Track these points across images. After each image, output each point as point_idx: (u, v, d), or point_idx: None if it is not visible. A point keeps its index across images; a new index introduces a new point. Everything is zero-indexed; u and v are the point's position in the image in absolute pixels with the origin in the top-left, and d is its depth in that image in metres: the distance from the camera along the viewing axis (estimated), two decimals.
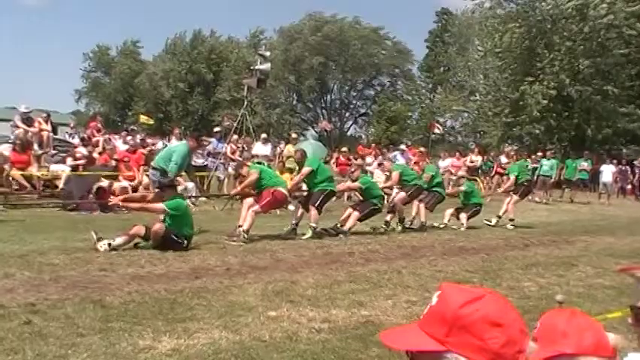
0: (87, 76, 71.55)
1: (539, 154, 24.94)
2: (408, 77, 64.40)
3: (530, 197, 22.75)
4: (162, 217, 9.01)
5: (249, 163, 12.23)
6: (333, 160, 22.76)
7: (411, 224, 12.98)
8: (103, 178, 13.70)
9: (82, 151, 15.73)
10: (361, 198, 12.43)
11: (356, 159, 22.18)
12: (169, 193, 9.27)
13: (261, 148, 19.29)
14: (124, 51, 69.80)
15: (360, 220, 11.62)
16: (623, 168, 27.91)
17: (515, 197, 14.29)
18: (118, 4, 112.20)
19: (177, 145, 11.85)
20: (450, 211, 13.63)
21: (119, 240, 8.48)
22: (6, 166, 12.68)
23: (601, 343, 1.67)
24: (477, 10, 37.44)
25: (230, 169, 17.15)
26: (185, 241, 8.92)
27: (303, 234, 10.72)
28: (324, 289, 6.76)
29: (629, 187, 28.14)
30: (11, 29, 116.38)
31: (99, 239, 8.31)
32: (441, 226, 13.31)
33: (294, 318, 5.54)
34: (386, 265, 8.52)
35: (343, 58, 62.56)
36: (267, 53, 19.37)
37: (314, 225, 10.86)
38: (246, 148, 18.79)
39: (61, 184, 13.99)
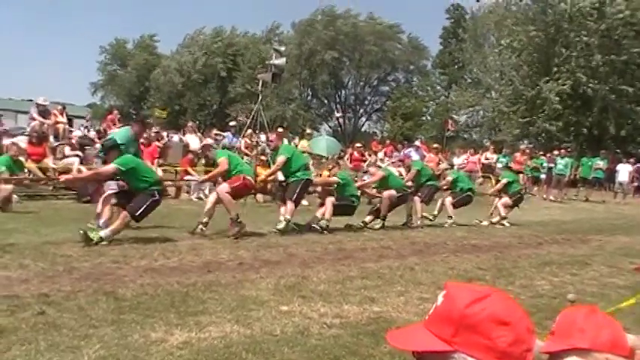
0: (103, 68, 71.85)
1: (555, 152, 24.85)
2: (423, 73, 64.24)
3: (545, 195, 22.79)
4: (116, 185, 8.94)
5: (215, 147, 11.92)
6: (347, 156, 22.76)
7: (409, 222, 12.82)
8: None
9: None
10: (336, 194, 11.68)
11: (370, 155, 22.15)
12: (113, 154, 8.95)
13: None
14: (140, 44, 70.05)
15: (334, 213, 11.26)
16: None
17: (508, 200, 14.08)
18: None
19: (119, 131, 10.88)
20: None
21: (108, 232, 8.30)
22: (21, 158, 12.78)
23: (618, 341, 1.67)
24: (494, 8, 37.30)
25: None
26: (156, 193, 8.85)
27: (277, 225, 10.46)
28: (336, 284, 6.76)
29: None
30: (29, 22, 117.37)
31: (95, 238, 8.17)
32: (430, 217, 13.27)
33: (305, 313, 5.55)
34: (398, 261, 8.51)
35: (358, 53, 62.48)
36: (282, 48, 19.34)
37: (289, 217, 10.56)
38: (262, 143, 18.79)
39: None
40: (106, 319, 5.00)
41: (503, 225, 13.63)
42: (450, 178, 13.80)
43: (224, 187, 9.78)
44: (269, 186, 11.98)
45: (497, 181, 14.75)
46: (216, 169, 10.17)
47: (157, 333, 4.73)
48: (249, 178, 10.23)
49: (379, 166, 14.18)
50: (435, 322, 1.33)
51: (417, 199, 12.84)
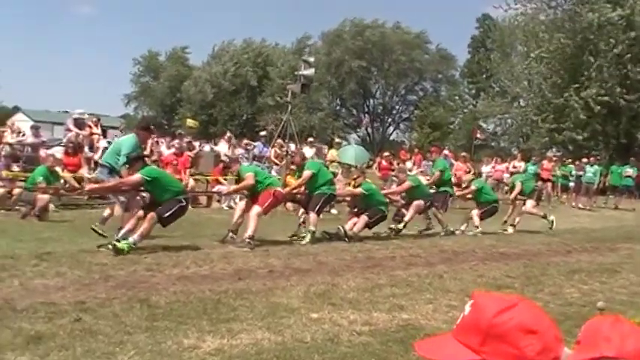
0: (136, 80, 72.79)
1: (584, 160, 24.61)
2: (451, 83, 64.00)
3: (573, 203, 22.56)
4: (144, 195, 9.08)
5: (243, 163, 11.95)
6: (375, 165, 22.75)
7: (427, 228, 12.70)
8: None
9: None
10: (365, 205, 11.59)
11: (398, 164, 22.10)
12: (138, 165, 8.96)
13: (307, 151, 19.37)
14: (172, 56, 70.81)
15: (368, 227, 11.33)
16: None
17: (532, 201, 14.04)
18: (168, 12, 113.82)
19: (124, 138, 10.66)
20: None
21: (136, 237, 8.37)
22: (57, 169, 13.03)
23: None
24: (521, 17, 37.00)
25: (274, 173, 17.26)
26: (183, 200, 8.96)
27: (303, 237, 10.45)
28: (366, 292, 6.80)
29: None
30: (65, 36, 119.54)
31: (126, 247, 8.20)
32: (457, 232, 12.82)
33: (335, 320, 5.60)
34: (427, 269, 8.52)
35: (386, 63, 62.45)
36: (312, 59, 19.47)
37: (313, 229, 10.52)
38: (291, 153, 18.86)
39: None
40: (140, 325, 5.10)
41: (551, 226, 13.62)
42: (474, 187, 13.53)
43: (257, 210, 9.70)
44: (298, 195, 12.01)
45: (512, 189, 14.63)
46: (242, 183, 10.23)
47: (189, 340, 4.81)
48: (278, 189, 10.27)
49: (407, 174, 14.08)
50: (463, 332, 1.36)
51: (435, 210, 12.75)
